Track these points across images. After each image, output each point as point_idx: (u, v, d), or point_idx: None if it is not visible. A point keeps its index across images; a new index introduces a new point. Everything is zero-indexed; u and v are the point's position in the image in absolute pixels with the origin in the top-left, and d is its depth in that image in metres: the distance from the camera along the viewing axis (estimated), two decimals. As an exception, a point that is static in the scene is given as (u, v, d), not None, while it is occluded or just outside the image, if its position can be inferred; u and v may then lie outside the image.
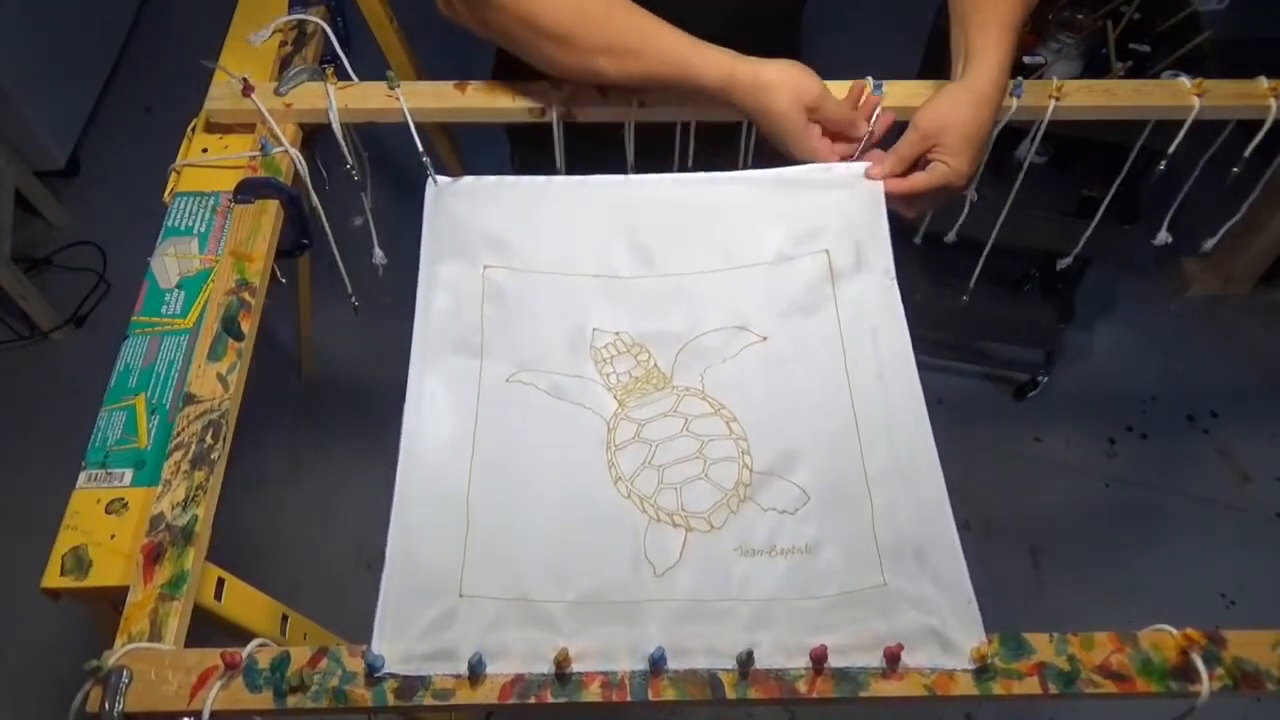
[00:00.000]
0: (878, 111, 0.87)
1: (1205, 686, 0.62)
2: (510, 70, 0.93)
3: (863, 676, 0.63)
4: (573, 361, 0.79)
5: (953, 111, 0.82)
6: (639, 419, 0.77)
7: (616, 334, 0.81)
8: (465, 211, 0.86)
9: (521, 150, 1.15)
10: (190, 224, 0.86)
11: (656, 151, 0.93)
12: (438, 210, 0.86)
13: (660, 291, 0.83)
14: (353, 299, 1.03)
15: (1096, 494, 1.86)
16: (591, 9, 0.82)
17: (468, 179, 0.87)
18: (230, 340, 0.77)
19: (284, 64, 0.96)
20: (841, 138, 0.86)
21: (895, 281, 0.82)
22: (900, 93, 0.92)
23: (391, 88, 0.90)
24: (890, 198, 0.85)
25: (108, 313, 2.06)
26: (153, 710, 0.60)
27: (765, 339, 0.81)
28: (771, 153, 0.90)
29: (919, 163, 0.85)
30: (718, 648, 0.63)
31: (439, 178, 0.87)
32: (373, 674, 0.62)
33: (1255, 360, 2.05)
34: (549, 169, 0.94)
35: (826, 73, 0.89)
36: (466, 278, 0.82)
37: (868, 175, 0.85)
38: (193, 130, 0.92)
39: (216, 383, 0.74)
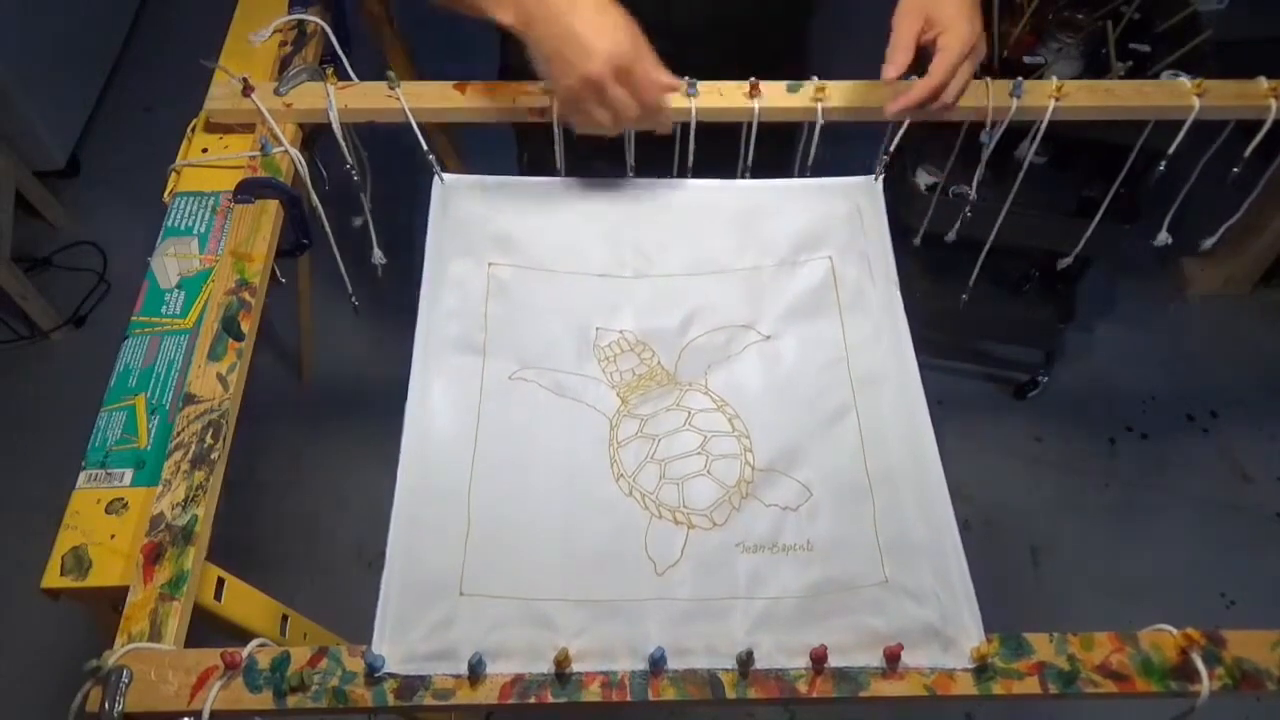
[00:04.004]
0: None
1: (1205, 686, 0.62)
2: (515, 71, 0.93)
3: (863, 676, 0.63)
4: (576, 360, 0.79)
5: None
6: (642, 414, 0.77)
7: (620, 332, 0.81)
8: (472, 210, 0.86)
9: (529, 149, 1.15)
10: (190, 224, 0.86)
11: (658, 152, 0.93)
12: (444, 208, 0.86)
13: (663, 291, 0.84)
14: (353, 299, 1.02)
15: (1096, 494, 1.86)
16: None
17: (474, 178, 0.88)
18: (230, 340, 0.77)
19: (284, 64, 0.96)
20: None
21: (898, 286, 0.82)
22: (900, 92, 0.92)
23: (391, 88, 0.90)
24: (928, 107, 0.82)
25: (108, 313, 2.06)
26: (153, 710, 0.60)
27: (768, 338, 0.81)
28: (769, 152, 0.90)
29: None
30: (718, 647, 0.63)
31: (446, 175, 0.87)
32: (373, 674, 0.62)
33: (1255, 360, 2.04)
34: (556, 167, 0.94)
35: (828, 72, 0.90)
36: (471, 275, 0.83)
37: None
38: (193, 130, 0.92)
39: (216, 383, 0.74)
